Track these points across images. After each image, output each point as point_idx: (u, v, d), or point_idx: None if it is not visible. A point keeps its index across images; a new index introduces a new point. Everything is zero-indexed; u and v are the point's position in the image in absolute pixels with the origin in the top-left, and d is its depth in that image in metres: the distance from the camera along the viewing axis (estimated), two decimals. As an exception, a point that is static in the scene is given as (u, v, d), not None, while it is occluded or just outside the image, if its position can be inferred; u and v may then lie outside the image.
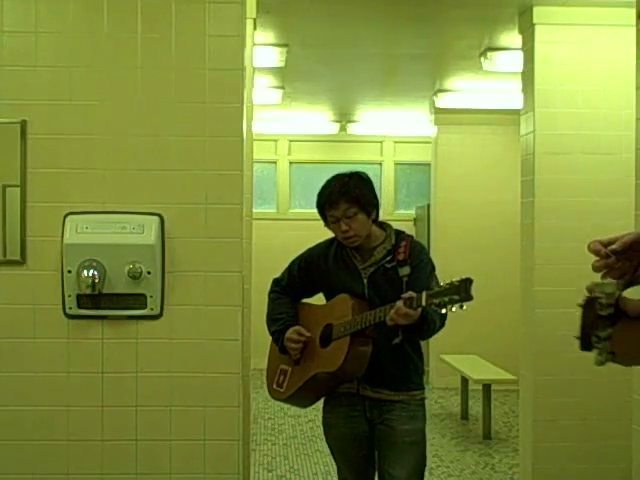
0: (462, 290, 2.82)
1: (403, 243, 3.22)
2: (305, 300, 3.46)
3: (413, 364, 3.31)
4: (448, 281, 2.87)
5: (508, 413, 7.87)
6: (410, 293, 2.95)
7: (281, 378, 3.35)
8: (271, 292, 3.45)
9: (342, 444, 3.38)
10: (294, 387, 3.29)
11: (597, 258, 1.49)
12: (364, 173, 3.34)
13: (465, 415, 7.68)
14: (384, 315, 3.01)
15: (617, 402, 4.81)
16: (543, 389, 4.97)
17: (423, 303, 2.91)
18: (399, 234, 3.29)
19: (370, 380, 3.24)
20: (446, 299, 2.85)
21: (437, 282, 3.13)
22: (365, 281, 3.22)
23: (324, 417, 3.41)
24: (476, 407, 7.73)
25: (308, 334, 3.26)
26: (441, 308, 2.88)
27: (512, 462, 6.19)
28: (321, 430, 3.49)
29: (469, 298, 2.82)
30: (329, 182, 3.26)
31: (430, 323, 3.10)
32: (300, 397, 3.36)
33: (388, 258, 3.21)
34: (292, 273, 3.40)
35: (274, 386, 3.39)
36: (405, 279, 3.15)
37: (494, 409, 7.36)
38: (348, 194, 3.18)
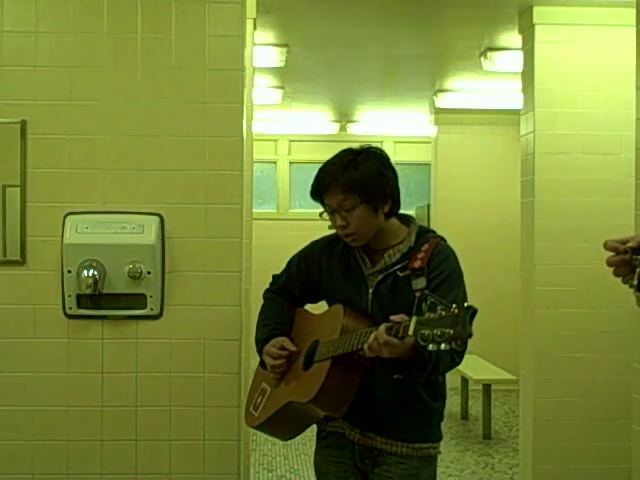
0: (459, 322, 2.02)
1: (424, 247, 2.46)
2: (310, 305, 2.81)
3: (423, 407, 2.53)
4: (442, 307, 2.08)
5: (508, 413, 7.87)
6: (401, 316, 2.20)
7: (259, 399, 2.70)
8: (266, 291, 2.83)
9: None
10: (267, 414, 2.63)
11: (612, 254, 1.76)
12: (379, 150, 2.56)
13: (465, 415, 7.68)
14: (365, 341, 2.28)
15: (617, 402, 4.81)
16: (543, 389, 4.97)
17: (410, 332, 2.11)
18: (422, 234, 2.53)
19: (360, 421, 2.54)
20: (437, 332, 2.04)
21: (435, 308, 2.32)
22: (370, 291, 2.50)
23: (314, 458, 2.76)
24: (476, 407, 7.73)
25: (294, 348, 2.58)
26: (427, 343, 2.06)
27: (512, 462, 6.19)
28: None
29: (466, 335, 2.02)
30: (330, 159, 2.55)
31: (431, 360, 2.29)
32: (273, 427, 2.69)
33: (402, 264, 2.47)
34: (290, 272, 2.75)
35: (250, 408, 2.73)
36: (418, 294, 2.39)
37: (494, 409, 7.37)
38: (344, 179, 2.43)
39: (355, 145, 2.58)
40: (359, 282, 2.53)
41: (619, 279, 1.78)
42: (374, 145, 2.59)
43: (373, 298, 2.49)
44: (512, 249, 6.21)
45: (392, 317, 2.21)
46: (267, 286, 2.84)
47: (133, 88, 3.11)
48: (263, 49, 5.75)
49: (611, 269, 1.77)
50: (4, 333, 3.10)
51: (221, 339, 3.11)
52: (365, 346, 2.24)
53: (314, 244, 2.72)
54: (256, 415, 2.68)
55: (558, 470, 4.98)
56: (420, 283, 2.41)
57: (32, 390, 3.10)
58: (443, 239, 2.55)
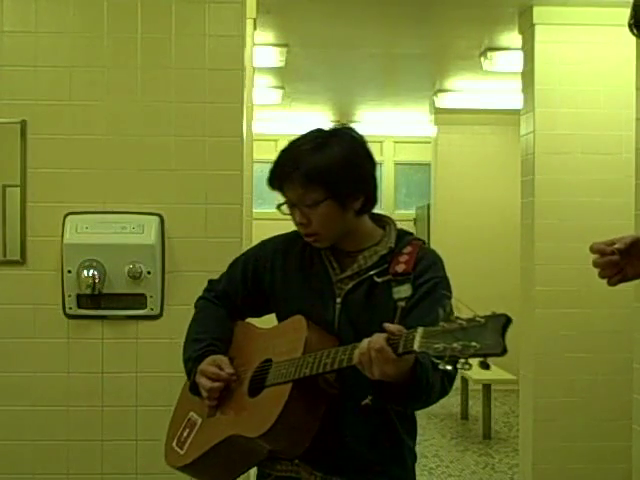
0: (490, 334, 1.58)
1: (407, 249, 2.02)
2: (252, 319, 2.28)
3: (395, 442, 2.04)
4: (465, 315, 1.63)
5: (508, 413, 7.86)
6: (398, 327, 1.74)
7: (185, 433, 2.14)
8: (200, 299, 2.30)
9: None
10: (197, 451, 2.08)
11: (597, 256, 1.77)
12: (354, 131, 2.13)
13: (465, 415, 7.68)
14: (349, 358, 1.80)
15: (617, 402, 4.81)
16: (543, 389, 4.97)
17: (415, 347, 1.65)
18: (403, 235, 2.08)
19: (321, 462, 2.00)
20: (457, 345, 1.57)
21: (448, 317, 1.74)
22: (338, 301, 2.02)
23: None
24: (476, 407, 7.73)
25: (231, 370, 2.06)
26: (445, 362, 1.59)
27: (512, 462, 6.19)
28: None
29: (501, 349, 1.57)
30: (294, 140, 2.07)
31: (424, 386, 1.82)
32: (203, 468, 2.12)
33: (380, 269, 2.00)
34: (233, 276, 2.23)
35: (173, 443, 2.16)
36: (401, 305, 1.94)
37: (494, 409, 7.36)
38: (306, 168, 1.95)
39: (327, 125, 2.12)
40: (323, 290, 2.04)
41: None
42: (348, 127, 2.14)
43: (341, 310, 2.01)
44: (512, 249, 6.20)
45: (386, 325, 1.75)
46: (201, 293, 2.32)
47: (133, 88, 3.11)
48: (263, 49, 5.75)
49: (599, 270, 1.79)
50: (4, 333, 3.11)
51: (221, 339, 3.11)
52: (356, 353, 1.77)
53: (266, 243, 2.23)
54: (181, 453, 2.13)
55: (558, 470, 4.97)
56: (404, 291, 1.96)
57: (32, 390, 3.11)
58: (424, 242, 2.12)
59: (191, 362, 2.12)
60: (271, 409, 1.90)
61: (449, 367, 1.58)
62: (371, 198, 2.05)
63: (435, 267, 2.02)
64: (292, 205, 2.02)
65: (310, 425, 1.93)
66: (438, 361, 1.60)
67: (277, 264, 2.13)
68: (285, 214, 2.06)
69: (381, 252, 2.03)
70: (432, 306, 1.82)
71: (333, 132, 2.06)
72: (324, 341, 1.95)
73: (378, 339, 1.72)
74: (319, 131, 2.06)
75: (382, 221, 2.12)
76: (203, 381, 2.05)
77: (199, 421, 2.12)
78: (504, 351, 1.57)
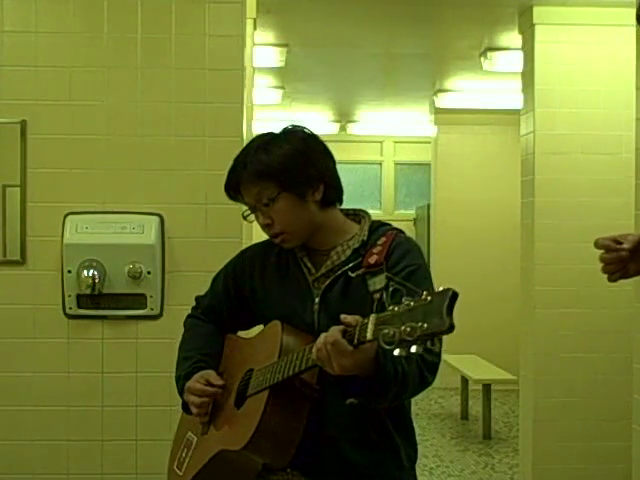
0: (435, 311, 1.48)
1: (382, 240, 1.97)
2: (243, 332, 2.26)
3: (389, 444, 1.98)
4: (408, 298, 1.55)
5: (508, 413, 7.86)
6: (355, 317, 1.68)
7: (184, 453, 2.13)
8: (188, 317, 2.29)
9: None
10: (192, 471, 2.06)
11: (602, 251, 1.77)
12: (305, 128, 2.06)
13: (465, 415, 7.68)
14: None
15: (617, 402, 4.81)
16: (543, 389, 4.97)
17: (369, 335, 1.60)
18: (377, 227, 2.02)
19: (313, 468, 1.96)
20: (405, 329, 1.50)
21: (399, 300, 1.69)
22: (316, 301, 1.97)
23: None
24: (476, 407, 7.73)
25: (220, 382, 2.05)
26: (393, 347, 1.53)
27: (512, 462, 6.19)
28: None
29: (446, 327, 1.46)
30: (244, 146, 2.07)
31: (393, 376, 1.76)
32: None
33: (354, 263, 1.95)
34: (216, 290, 2.23)
35: (174, 466, 2.15)
36: (377, 296, 1.88)
37: (494, 409, 7.36)
38: (254, 166, 1.94)
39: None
40: (302, 292, 2.00)
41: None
42: (299, 126, 2.09)
43: (320, 309, 1.96)
44: (512, 249, 6.21)
45: (343, 317, 1.69)
46: (190, 311, 2.31)
47: (133, 88, 3.11)
48: (263, 49, 5.75)
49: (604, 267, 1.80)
50: (4, 333, 3.11)
51: (221, 339, 3.11)
52: (313, 350, 1.72)
53: (244, 252, 2.23)
54: (180, 474, 2.09)
55: (558, 470, 4.97)
56: (378, 282, 1.89)
57: (32, 390, 3.11)
58: (402, 232, 2.04)
59: (181, 381, 2.12)
60: (250, 419, 1.87)
61: (403, 352, 1.52)
62: (332, 188, 2.01)
63: (410, 255, 1.95)
64: (253, 209, 2.01)
65: (293, 430, 1.88)
66: (389, 347, 1.54)
67: (256, 271, 2.11)
68: (252, 222, 2.05)
69: (354, 246, 1.98)
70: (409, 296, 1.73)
71: (283, 131, 2.04)
72: (301, 343, 1.88)
73: (333, 332, 1.69)
74: (269, 133, 2.04)
75: (358, 216, 2.07)
76: (191, 398, 2.05)
77: (195, 440, 2.11)
78: (450, 327, 1.46)
